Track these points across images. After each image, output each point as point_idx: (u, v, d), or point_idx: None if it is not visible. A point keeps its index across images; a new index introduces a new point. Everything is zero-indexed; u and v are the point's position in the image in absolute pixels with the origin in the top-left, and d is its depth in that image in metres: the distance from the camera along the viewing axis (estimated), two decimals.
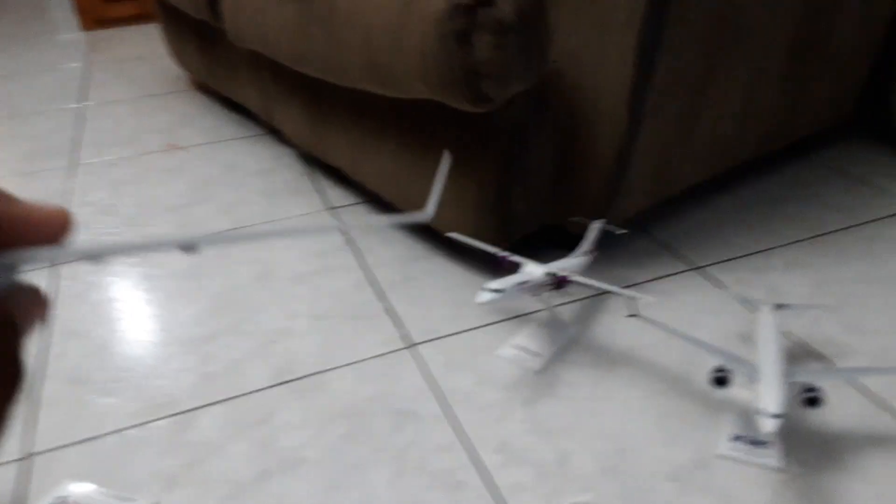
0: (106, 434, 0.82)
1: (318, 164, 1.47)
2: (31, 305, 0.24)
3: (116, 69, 2.24)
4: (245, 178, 1.45)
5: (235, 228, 1.25)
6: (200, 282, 1.11)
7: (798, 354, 0.89)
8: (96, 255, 0.22)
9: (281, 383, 0.88)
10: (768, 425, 0.63)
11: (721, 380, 0.72)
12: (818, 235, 1.14)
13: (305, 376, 0.89)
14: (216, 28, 1.48)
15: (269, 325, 0.99)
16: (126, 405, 0.86)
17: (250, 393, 0.87)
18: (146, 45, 2.48)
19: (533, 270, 0.87)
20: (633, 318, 0.92)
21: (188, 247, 0.23)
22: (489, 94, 0.84)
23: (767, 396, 0.65)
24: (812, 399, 0.68)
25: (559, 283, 0.87)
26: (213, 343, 0.96)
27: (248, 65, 1.49)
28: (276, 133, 1.61)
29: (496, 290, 0.81)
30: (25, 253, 0.21)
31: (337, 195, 1.35)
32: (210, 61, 1.70)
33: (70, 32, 2.76)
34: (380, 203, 1.28)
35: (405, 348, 0.93)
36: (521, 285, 0.84)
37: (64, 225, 0.23)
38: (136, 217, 1.31)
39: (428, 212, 0.34)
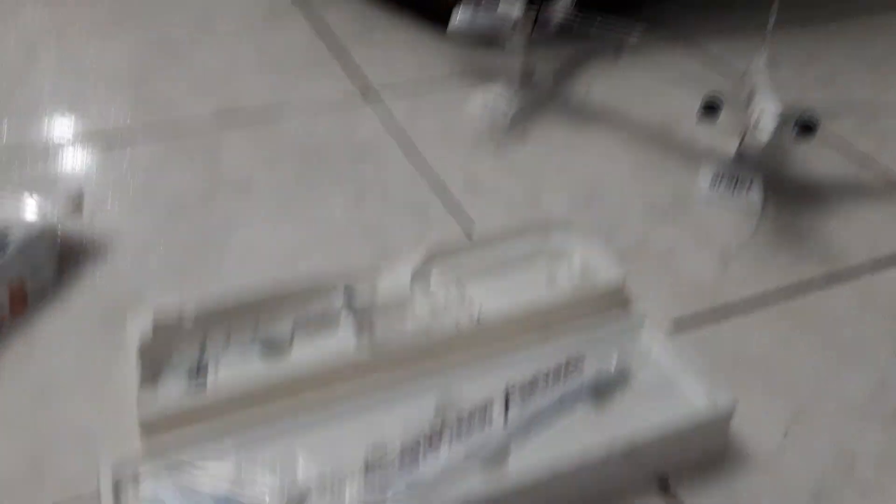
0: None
1: None
2: None
3: None
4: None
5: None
6: (126, 24, 0.98)
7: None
8: None
9: (226, 119, 0.80)
10: (770, 124, 0.57)
11: (712, 106, 0.66)
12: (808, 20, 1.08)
13: (253, 111, 0.81)
14: None
15: (209, 68, 0.89)
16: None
17: (191, 126, 0.78)
18: None
19: (513, 2, 0.78)
20: (612, 76, 0.85)
21: None
22: None
23: (766, 104, 0.59)
24: (807, 126, 0.63)
25: (542, 22, 0.78)
26: (145, 83, 0.86)
27: None
28: None
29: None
30: None
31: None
32: None
33: None
34: None
35: (366, 93, 0.85)
36: (499, 15, 0.75)
37: None
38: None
39: None
